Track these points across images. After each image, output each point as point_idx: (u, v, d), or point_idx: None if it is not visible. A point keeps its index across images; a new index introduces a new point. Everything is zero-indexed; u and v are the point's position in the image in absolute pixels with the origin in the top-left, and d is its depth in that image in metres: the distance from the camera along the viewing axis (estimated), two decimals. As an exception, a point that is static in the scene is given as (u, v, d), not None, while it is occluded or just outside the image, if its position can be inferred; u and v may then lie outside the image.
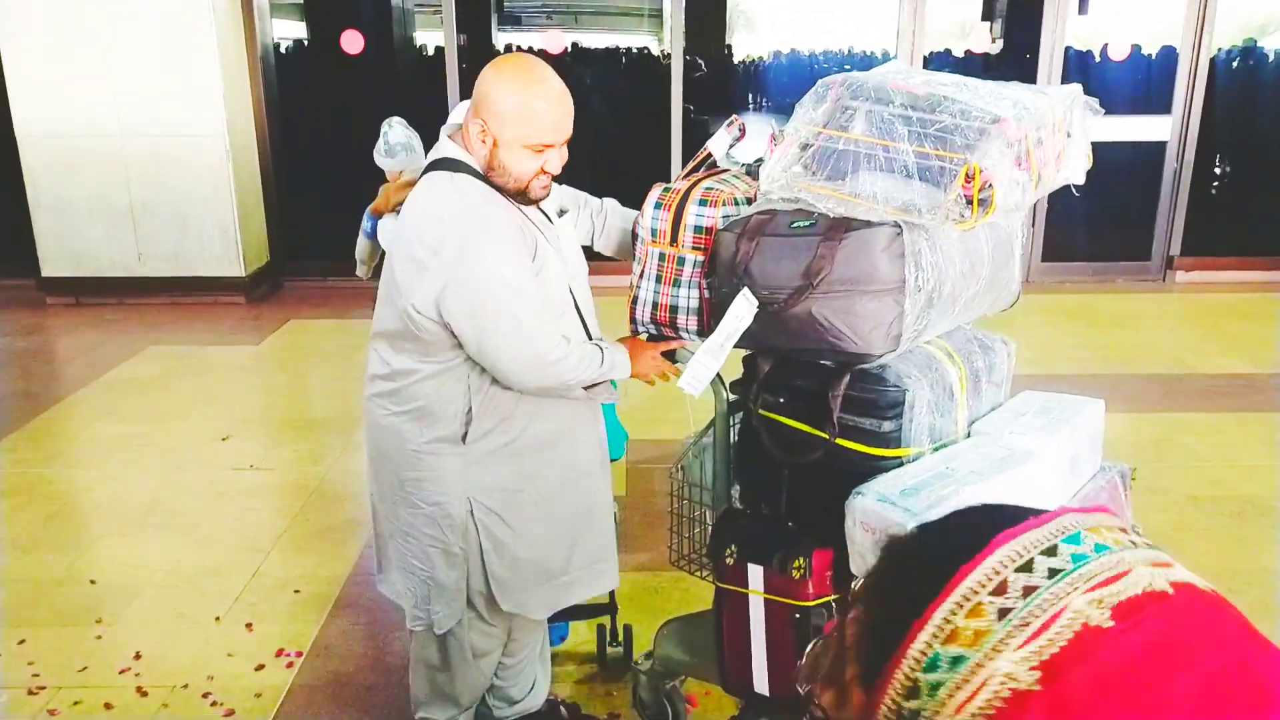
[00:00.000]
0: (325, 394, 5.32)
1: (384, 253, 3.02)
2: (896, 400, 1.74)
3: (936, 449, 1.79)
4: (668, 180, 2.21)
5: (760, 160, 1.93)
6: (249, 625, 3.08)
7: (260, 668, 2.88)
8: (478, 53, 7.35)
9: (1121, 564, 0.56)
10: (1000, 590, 0.56)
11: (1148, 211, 7.45)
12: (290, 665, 2.89)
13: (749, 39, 8.89)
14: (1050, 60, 7.12)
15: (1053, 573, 0.56)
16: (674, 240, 2.03)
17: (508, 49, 8.11)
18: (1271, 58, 7.82)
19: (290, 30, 7.74)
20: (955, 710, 0.55)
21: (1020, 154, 1.65)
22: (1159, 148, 7.29)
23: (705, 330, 2.02)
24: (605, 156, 8.11)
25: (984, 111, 1.64)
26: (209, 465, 4.26)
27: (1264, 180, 7.74)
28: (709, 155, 2.16)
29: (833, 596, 1.81)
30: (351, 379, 5.33)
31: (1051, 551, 0.57)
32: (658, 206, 2.05)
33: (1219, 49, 7.29)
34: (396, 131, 3.04)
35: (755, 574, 1.84)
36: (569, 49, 7.72)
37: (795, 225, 1.79)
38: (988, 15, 8.26)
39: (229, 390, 5.24)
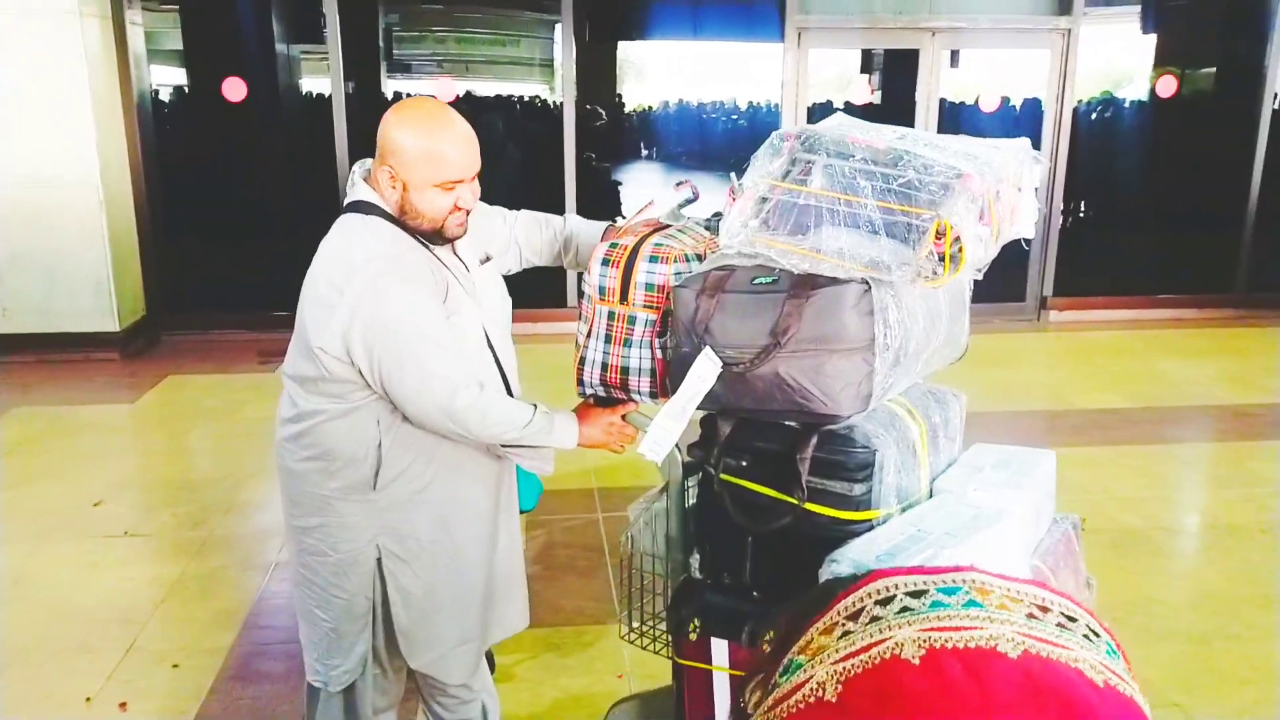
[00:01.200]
0: (206, 453, 5.09)
1: None
2: (866, 461, 1.69)
3: (904, 509, 1.75)
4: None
5: (718, 215, 1.87)
6: (123, 705, 2.89)
7: (136, 751, 2.69)
8: (367, 100, 7.27)
9: (976, 621, 0.56)
10: (855, 615, 0.59)
11: (1021, 254, 7.81)
12: (169, 746, 2.72)
13: (639, 89, 9.02)
14: (926, 111, 7.44)
15: (904, 610, 0.58)
16: (624, 298, 1.97)
17: (397, 96, 8.04)
18: (1127, 107, 8.34)
19: (170, 77, 7.52)
20: (771, 705, 0.59)
21: (983, 208, 1.65)
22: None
23: (659, 391, 1.98)
24: (500, 203, 8.09)
25: (946, 166, 1.63)
26: (80, 533, 4.01)
27: (1126, 222, 8.22)
28: (650, 205, 2.12)
29: None
30: (234, 436, 5.13)
31: (918, 594, 0.59)
32: (605, 263, 1.98)
33: (1080, 100, 7.74)
34: (365, 169, 3.09)
35: (719, 648, 1.78)
36: (460, 97, 7.70)
37: (758, 281, 1.73)
38: (866, 69, 8.59)
39: (102, 452, 4.97)
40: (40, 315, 6.39)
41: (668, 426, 1.86)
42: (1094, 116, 8.16)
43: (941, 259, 1.60)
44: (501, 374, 2.11)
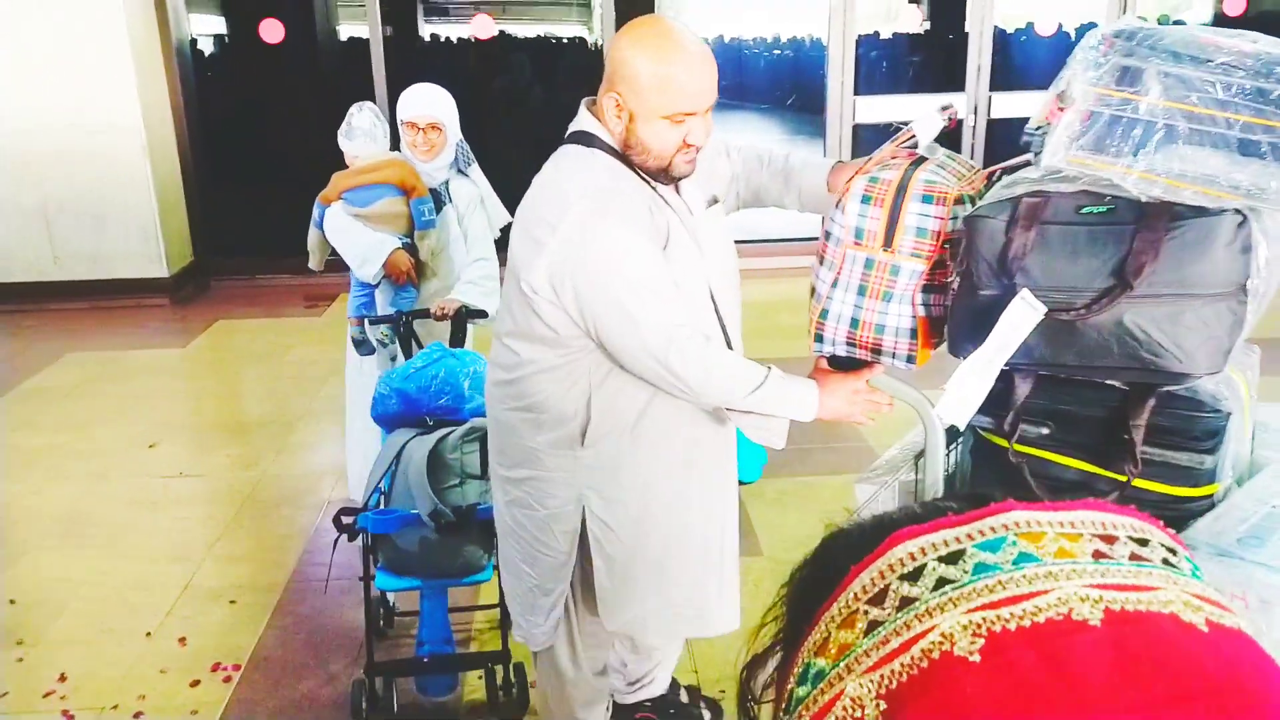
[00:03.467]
0: (257, 396, 5.14)
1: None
2: (1216, 427, 1.43)
3: (1238, 482, 1.53)
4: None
5: (1040, 129, 1.56)
6: (182, 640, 2.94)
7: (195, 684, 2.74)
8: (404, 43, 7.18)
9: (1039, 582, 0.43)
10: (879, 599, 0.46)
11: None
12: (228, 680, 2.76)
13: (680, 24, 8.82)
14: (980, 40, 7.17)
15: (941, 583, 0.45)
16: (888, 244, 1.68)
17: (434, 39, 7.94)
18: (1190, 34, 7.99)
19: (207, 21, 7.47)
20: None
21: None
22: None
23: (914, 358, 1.75)
24: (540, 149, 8.00)
25: None
26: (135, 474, 4.08)
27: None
28: (912, 138, 1.80)
29: None
30: (284, 379, 5.17)
31: (954, 558, 0.45)
32: (865, 200, 1.69)
33: (1141, 20, 7.41)
34: (362, 116, 3.14)
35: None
36: (494, 37, 7.58)
37: (1087, 211, 1.44)
38: (915, -3, 8.31)
39: (154, 395, 5.03)
40: (90, 262, 6.46)
41: (972, 384, 1.55)
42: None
43: None
44: (724, 333, 1.93)
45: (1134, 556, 0.45)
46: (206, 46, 7.39)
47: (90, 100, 6.19)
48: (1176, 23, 7.90)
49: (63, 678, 2.78)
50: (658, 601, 2.04)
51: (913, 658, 0.42)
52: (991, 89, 7.02)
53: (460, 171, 3.24)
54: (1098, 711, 0.39)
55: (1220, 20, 7.64)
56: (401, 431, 2.54)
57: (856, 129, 7.07)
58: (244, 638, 2.93)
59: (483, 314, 3.06)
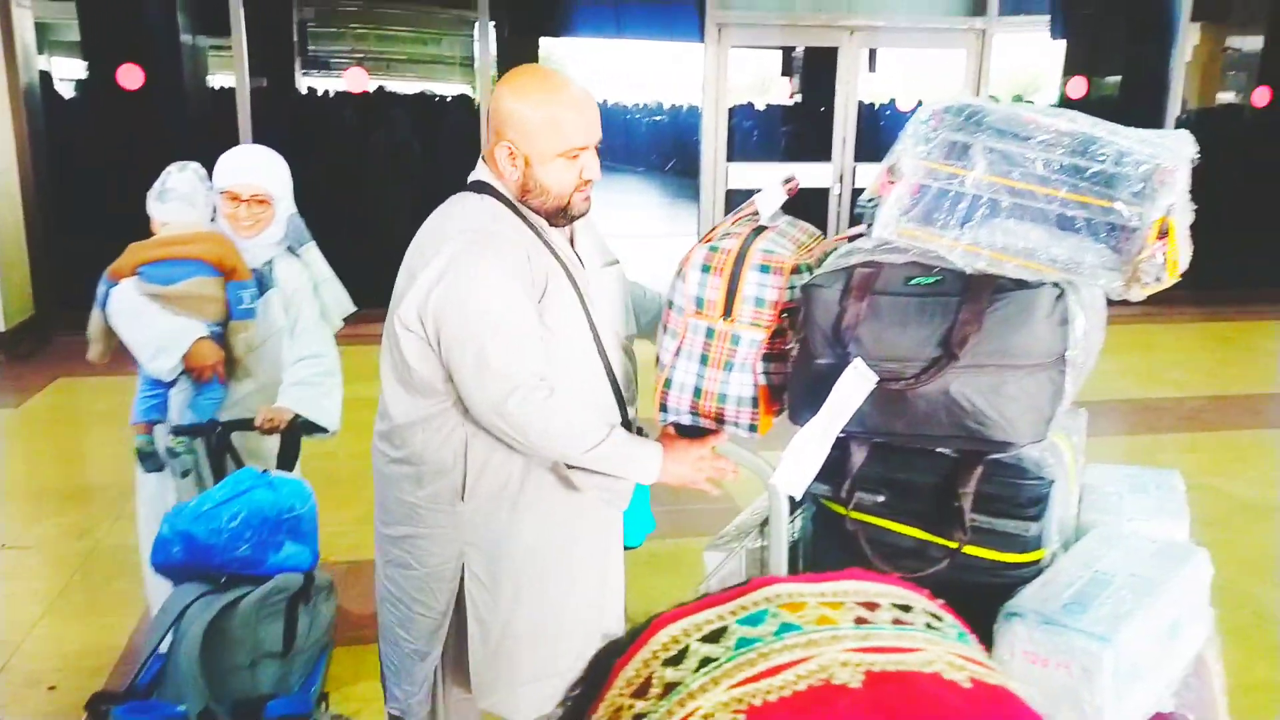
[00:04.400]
0: (95, 459, 4.80)
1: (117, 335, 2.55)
2: (1040, 494, 1.45)
3: (1064, 547, 1.54)
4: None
5: (873, 201, 1.59)
6: (-10, 732, 2.66)
7: (2, 782, 2.47)
8: (279, 95, 7.00)
9: (799, 650, 0.42)
10: (642, 690, 0.43)
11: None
12: (41, 775, 2.50)
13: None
14: (845, 112, 7.46)
15: (704, 663, 0.43)
16: (728, 313, 1.69)
17: (311, 92, 7.78)
18: (1039, 114, 8.52)
19: (63, 64, 7.13)
20: None
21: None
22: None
23: (756, 426, 1.74)
24: (419, 206, 7.87)
25: (1145, 156, 1.39)
26: (-49, 546, 3.72)
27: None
28: (754, 212, 1.81)
29: None
30: (127, 440, 4.80)
31: (716, 636, 0.44)
32: (705, 270, 1.70)
33: (994, 100, 7.86)
34: (182, 177, 2.60)
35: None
36: (369, 92, 7.47)
37: (916, 282, 1.46)
38: (786, 71, 8.62)
39: (-19, 459, 4.64)
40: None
41: (808, 452, 1.54)
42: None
43: (1164, 262, 1.36)
44: (614, 387, 1.90)
45: (896, 621, 0.44)
46: (62, 90, 7.04)
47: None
48: (1028, 102, 8.40)
49: None
50: (533, 674, 1.95)
51: None
52: (856, 159, 7.29)
53: (290, 251, 2.70)
54: None
55: (1065, 102, 8.17)
56: (188, 587, 1.97)
57: (730, 194, 7.22)
58: (62, 728, 2.67)
59: (322, 429, 2.59)
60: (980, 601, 1.37)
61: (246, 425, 2.50)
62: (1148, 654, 1.33)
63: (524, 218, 1.83)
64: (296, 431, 2.52)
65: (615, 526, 2.04)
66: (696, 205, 7.44)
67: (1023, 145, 1.43)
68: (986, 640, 1.38)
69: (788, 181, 1.83)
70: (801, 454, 1.54)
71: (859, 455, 1.55)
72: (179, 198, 2.56)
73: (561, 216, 1.85)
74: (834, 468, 1.56)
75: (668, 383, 1.79)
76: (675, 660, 0.43)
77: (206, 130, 7.08)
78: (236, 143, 6.51)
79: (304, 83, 7.67)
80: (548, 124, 1.78)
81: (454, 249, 1.74)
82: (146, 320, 2.48)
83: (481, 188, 1.85)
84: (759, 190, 1.83)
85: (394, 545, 1.95)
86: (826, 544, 1.67)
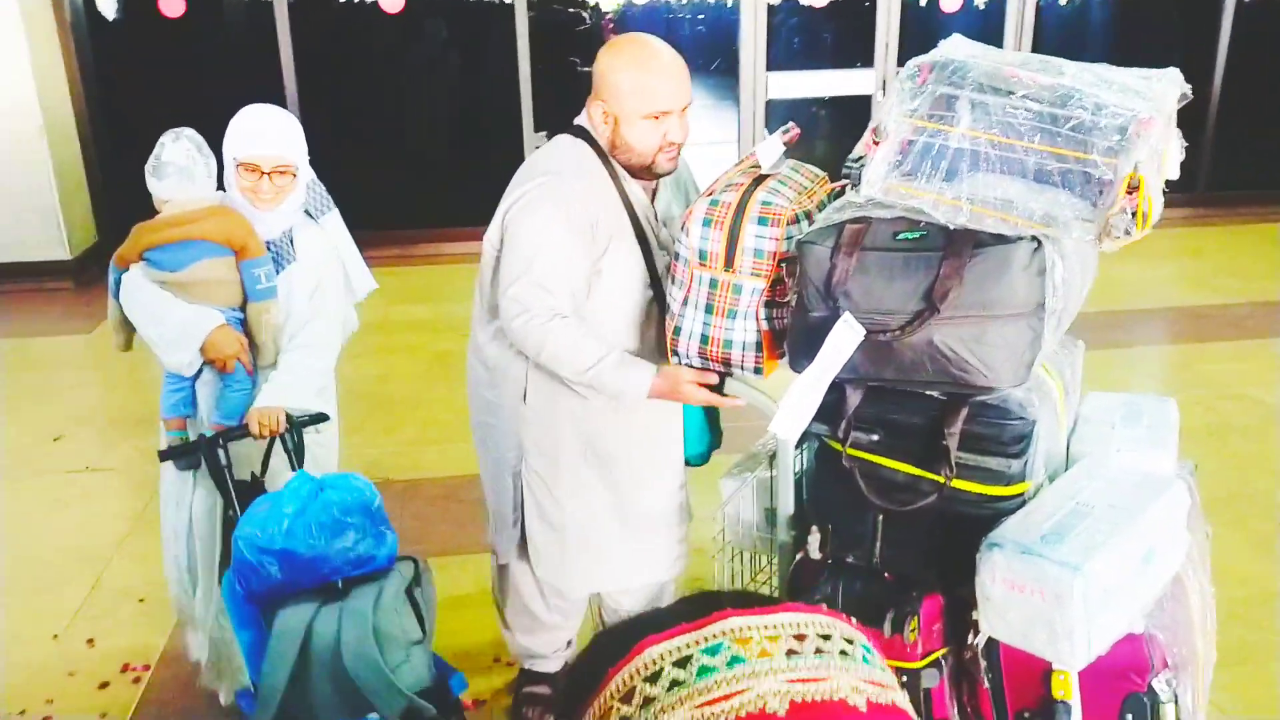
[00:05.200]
0: (167, 383, 5.05)
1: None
2: (1023, 433, 1.53)
3: (1051, 479, 1.64)
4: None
5: (860, 160, 1.66)
6: (90, 641, 2.95)
7: (104, 685, 2.76)
8: (316, 8, 7.01)
9: (744, 681, 0.55)
10: (628, 698, 0.56)
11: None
12: (137, 680, 2.78)
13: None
14: (888, 17, 7.27)
15: (674, 685, 0.56)
16: (729, 264, 1.79)
17: (344, 5, 7.76)
18: (1093, 4, 8.22)
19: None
20: None
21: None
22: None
23: (761, 369, 1.86)
24: (452, 120, 7.91)
25: (1122, 107, 1.43)
26: (40, 470, 4.02)
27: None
28: (756, 164, 1.90)
29: (942, 651, 1.65)
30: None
31: (684, 662, 0.56)
32: (706, 224, 1.79)
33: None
34: (177, 147, 2.32)
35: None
36: (407, 4, 7.44)
37: (902, 237, 1.53)
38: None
39: (59, 385, 4.93)
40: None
41: (802, 401, 1.65)
42: (1061, 5, 8.04)
43: (1134, 215, 1.42)
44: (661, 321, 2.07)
45: (818, 650, 0.57)
46: (105, 20, 7.13)
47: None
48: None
49: (-33, 684, 2.76)
50: (581, 561, 2.27)
51: None
52: (899, 65, 7.13)
53: (308, 216, 2.46)
54: None
55: None
56: (296, 609, 1.86)
57: (769, 105, 7.13)
58: (154, 637, 2.95)
59: (323, 416, 2.34)
60: (967, 531, 1.51)
61: (239, 435, 2.27)
62: (1120, 581, 1.44)
63: (611, 169, 2.06)
64: (297, 430, 2.29)
65: (662, 438, 2.25)
66: (736, 112, 7.37)
67: (1005, 99, 1.48)
68: (974, 568, 1.50)
69: (786, 131, 1.92)
70: (797, 401, 1.64)
71: (854, 398, 1.65)
72: (176, 171, 2.30)
73: (646, 173, 2.06)
74: (832, 409, 1.67)
75: (677, 330, 1.92)
76: (653, 679, 0.56)
77: (248, 50, 7.13)
78: (278, 63, 6.60)
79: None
80: (635, 88, 1.98)
81: (532, 186, 2.02)
82: (157, 311, 2.29)
83: (581, 133, 2.09)
84: (777, 137, 1.91)
85: (476, 429, 2.33)
86: (826, 478, 1.79)
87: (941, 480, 1.57)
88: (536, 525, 2.26)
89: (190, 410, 2.42)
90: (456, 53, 7.70)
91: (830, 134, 7.77)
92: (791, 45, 8.05)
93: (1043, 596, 1.41)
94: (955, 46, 1.65)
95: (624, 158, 2.05)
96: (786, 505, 1.92)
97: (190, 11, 6.78)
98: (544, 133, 8.51)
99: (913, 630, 1.62)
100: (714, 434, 2.37)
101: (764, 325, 1.82)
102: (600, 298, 2.07)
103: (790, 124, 1.94)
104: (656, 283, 2.09)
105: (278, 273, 2.36)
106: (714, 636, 0.57)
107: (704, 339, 1.87)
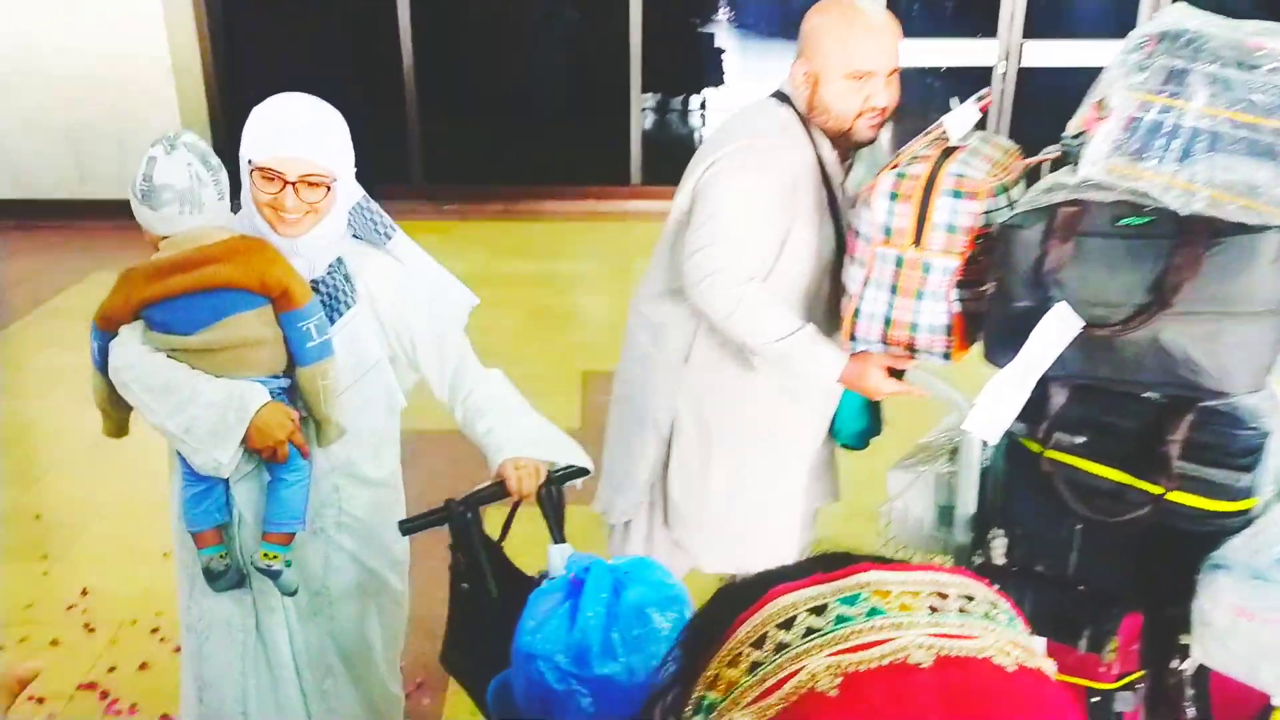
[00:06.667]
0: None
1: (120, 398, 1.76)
2: (1254, 445, 1.41)
3: (1278, 496, 1.50)
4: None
5: (1079, 137, 1.52)
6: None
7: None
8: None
9: (885, 632, 0.52)
10: (759, 643, 0.55)
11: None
12: (241, 600, 2.86)
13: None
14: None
15: (809, 632, 0.54)
16: (918, 240, 1.68)
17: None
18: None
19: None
20: None
21: None
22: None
23: (950, 355, 1.75)
24: (561, 79, 7.91)
25: None
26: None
27: None
28: (943, 133, 1.76)
29: (1139, 674, 1.54)
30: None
31: (820, 610, 0.55)
32: (893, 198, 1.68)
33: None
34: (172, 165, 1.64)
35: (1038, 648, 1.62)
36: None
37: (1125, 223, 1.40)
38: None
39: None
40: (116, 182, 6.49)
41: (1004, 398, 1.51)
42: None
43: None
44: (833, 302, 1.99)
45: (961, 609, 0.55)
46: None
47: (116, 22, 6.18)
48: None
49: (84, 592, 2.90)
50: (719, 530, 2.20)
51: (785, 694, 0.51)
52: (1025, 36, 6.87)
53: (360, 238, 1.85)
54: None
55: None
56: None
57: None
58: (258, 561, 3.03)
59: (583, 471, 1.84)
60: (1182, 548, 1.37)
61: (495, 497, 1.77)
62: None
63: (811, 136, 1.95)
64: (558, 487, 1.79)
65: (821, 418, 2.18)
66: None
67: (1248, 74, 1.32)
68: (1189, 588, 1.35)
69: (981, 99, 1.76)
70: (998, 398, 1.50)
71: (1059, 396, 1.52)
72: (175, 196, 1.64)
73: (844, 140, 1.93)
74: (1032, 407, 1.52)
75: (856, 313, 1.81)
76: (787, 625, 0.55)
77: (367, 4, 7.24)
78: (395, 17, 6.67)
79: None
80: (837, 45, 1.86)
81: (732, 149, 1.93)
82: (176, 396, 1.66)
83: (782, 98, 1.98)
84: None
85: (623, 384, 2.26)
86: (1017, 480, 1.66)
87: (1158, 491, 1.45)
88: (680, 489, 2.19)
89: (225, 516, 1.82)
90: (570, 9, 7.70)
91: (945, 108, 7.54)
92: (910, 11, 7.82)
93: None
94: (1183, 15, 1.48)
95: (821, 121, 1.92)
96: (967, 505, 1.76)
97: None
98: (651, 94, 8.47)
99: (1112, 650, 1.51)
100: (874, 417, 2.23)
101: (955, 307, 1.69)
102: (781, 270, 1.97)
103: (985, 90, 1.81)
104: (839, 262, 1.96)
105: (332, 322, 1.74)
106: (852, 588, 0.55)
107: (887, 321, 1.77)
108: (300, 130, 1.68)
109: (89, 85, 6.28)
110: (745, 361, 2.06)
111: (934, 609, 0.54)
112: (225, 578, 1.84)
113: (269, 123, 1.69)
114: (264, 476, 1.80)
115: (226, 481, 1.80)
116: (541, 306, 5.09)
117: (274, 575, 1.79)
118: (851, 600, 0.55)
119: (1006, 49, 6.84)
